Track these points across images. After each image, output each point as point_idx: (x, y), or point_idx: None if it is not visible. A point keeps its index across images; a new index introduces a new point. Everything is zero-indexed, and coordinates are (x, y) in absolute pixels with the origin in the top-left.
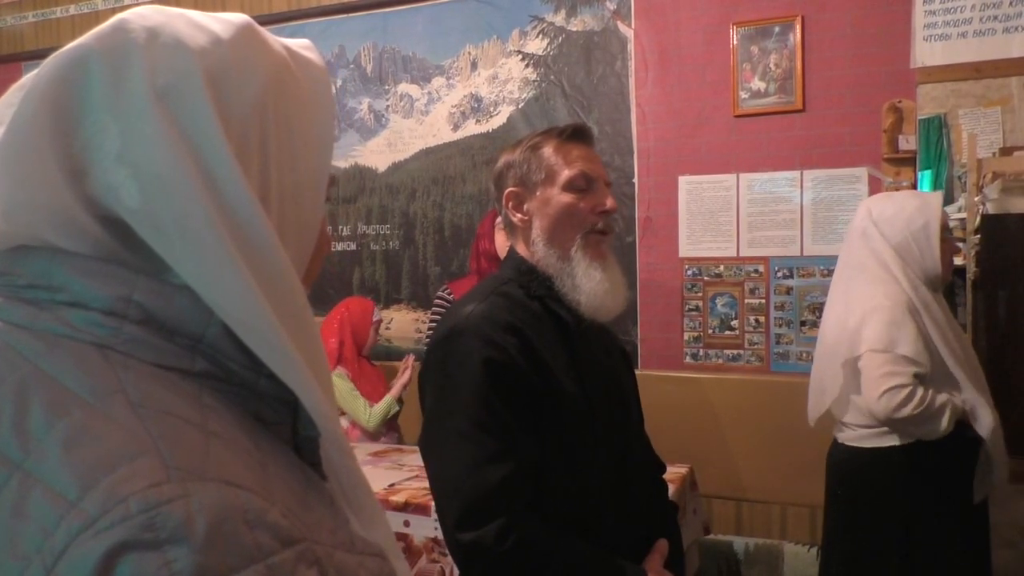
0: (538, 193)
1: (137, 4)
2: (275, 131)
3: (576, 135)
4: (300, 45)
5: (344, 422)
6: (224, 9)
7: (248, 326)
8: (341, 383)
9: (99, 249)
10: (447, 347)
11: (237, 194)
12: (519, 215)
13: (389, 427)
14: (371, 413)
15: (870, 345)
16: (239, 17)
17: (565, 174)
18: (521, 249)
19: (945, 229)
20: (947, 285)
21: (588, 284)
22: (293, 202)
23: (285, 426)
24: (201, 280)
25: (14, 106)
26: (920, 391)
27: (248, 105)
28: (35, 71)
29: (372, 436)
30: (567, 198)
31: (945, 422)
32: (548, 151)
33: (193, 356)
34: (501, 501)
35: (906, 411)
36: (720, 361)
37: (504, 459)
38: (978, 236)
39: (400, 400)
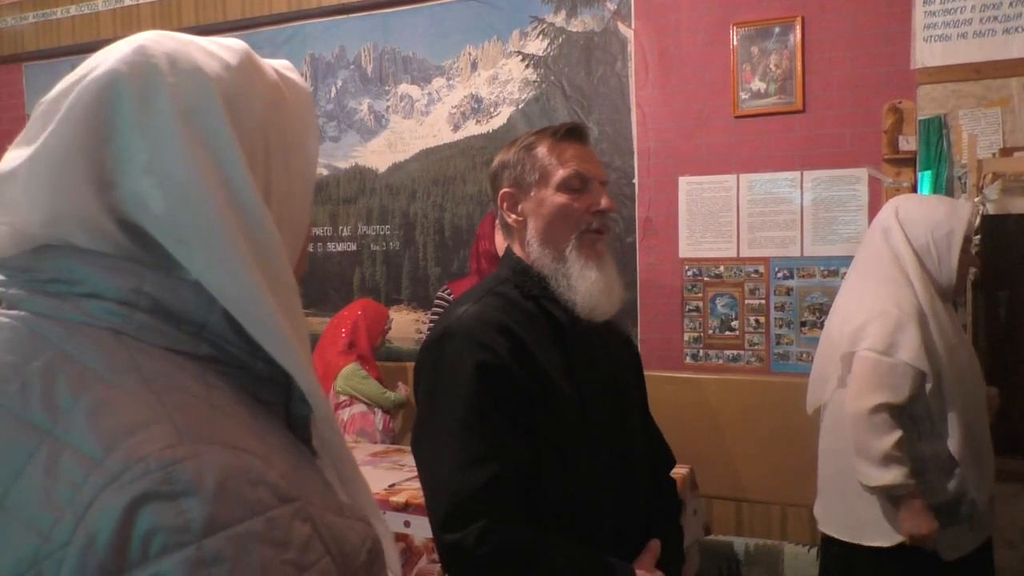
0: (532, 194)
1: (137, 5)
2: (275, 144)
3: (571, 134)
4: (284, 67)
5: (346, 413)
6: (224, 11)
7: (254, 317)
8: (354, 370)
9: (116, 249)
10: (439, 349)
11: (250, 201)
12: (514, 216)
13: (385, 428)
14: (388, 393)
15: (870, 345)
16: (239, 44)
17: (559, 174)
18: (517, 249)
19: (967, 241)
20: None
21: (583, 284)
22: (287, 205)
23: (279, 405)
24: (214, 278)
25: (51, 121)
26: (899, 433)
27: (255, 123)
28: (63, 88)
29: (391, 414)
30: (561, 198)
31: (887, 478)
32: (542, 151)
33: (198, 341)
34: (484, 503)
35: (877, 437)
36: (720, 362)
37: (490, 462)
38: (978, 236)
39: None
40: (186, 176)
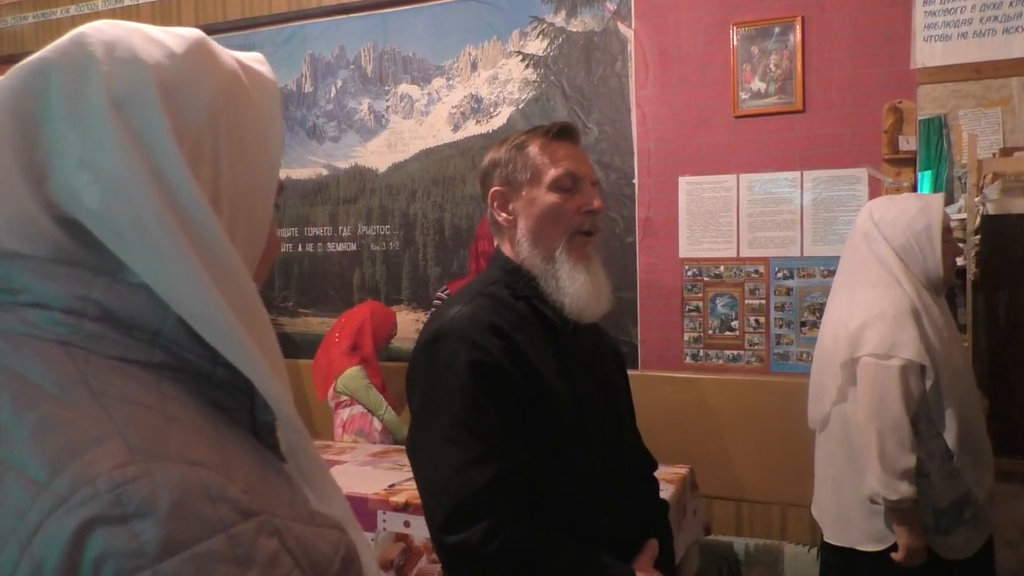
0: (523, 193)
1: (137, 5)
2: (227, 139)
3: (562, 134)
4: (252, 59)
5: (346, 413)
6: (224, 11)
7: (203, 319)
8: (358, 375)
9: (57, 252)
10: (433, 350)
11: (188, 196)
12: (504, 214)
13: (384, 429)
14: (389, 410)
15: (872, 350)
16: (192, 32)
17: (551, 173)
18: (506, 249)
19: (947, 231)
20: (948, 288)
21: (572, 286)
22: (244, 205)
23: (243, 412)
24: (157, 277)
25: None
26: (913, 458)
27: (200, 114)
28: (0, 79)
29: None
30: (553, 198)
31: (903, 491)
32: (534, 150)
33: (152, 349)
34: (487, 503)
35: (903, 452)
36: (720, 362)
37: (490, 461)
38: (978, 237)
39: None
40: (120, 170)
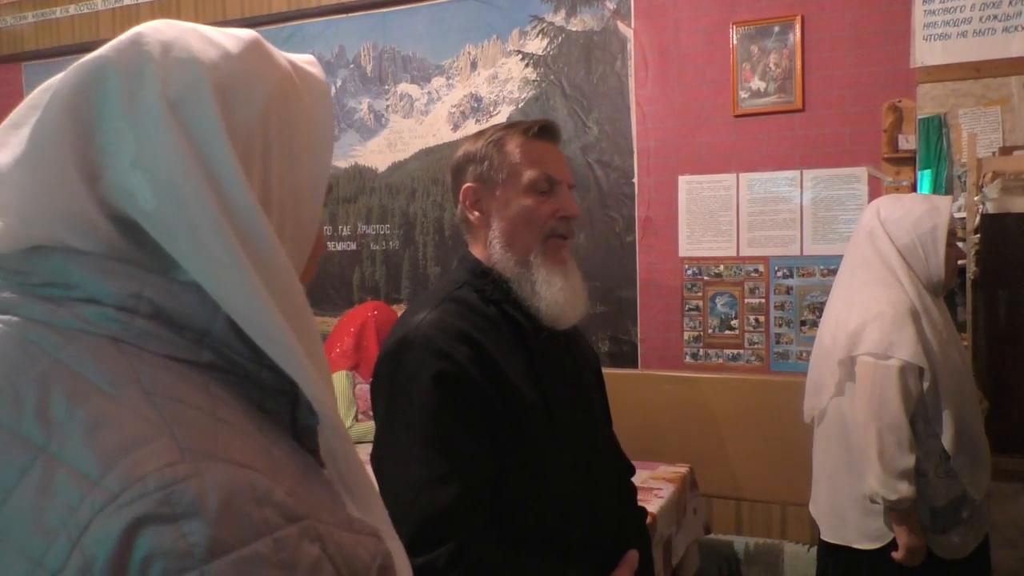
0: (497, 193)
1: (137, 5)
2: (277, 140)
3: (543, 133)
4: (304, 60)
5: None
6: (224, 10)
7: (252, 320)
8: (341, 379)
9: (111, 249)
10: (396, 360)
11: (240, 198)
12: (477, 213)
13: None
14: (355, 424)
15: (869, 348)
16: (248, 33)
17: (528, 175)
18: (476, 250)
19: (952, 235)
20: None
21: (548, 291)
22: (292, 206)
23: (285, 415)
24: (209, 277)
25: (38, 109)
26: (912, 458)
27: (253, 115)
28: (61, 75)
29: None
30: (527, 201)
31: (903, 491)
32: (511, 148)
33: (200, 349)
34: (452, 524)
35: (902, 452)
36: (720, 361)
37: (455, 479)
38: (978, 236)
39: None
40: (173, 171)
